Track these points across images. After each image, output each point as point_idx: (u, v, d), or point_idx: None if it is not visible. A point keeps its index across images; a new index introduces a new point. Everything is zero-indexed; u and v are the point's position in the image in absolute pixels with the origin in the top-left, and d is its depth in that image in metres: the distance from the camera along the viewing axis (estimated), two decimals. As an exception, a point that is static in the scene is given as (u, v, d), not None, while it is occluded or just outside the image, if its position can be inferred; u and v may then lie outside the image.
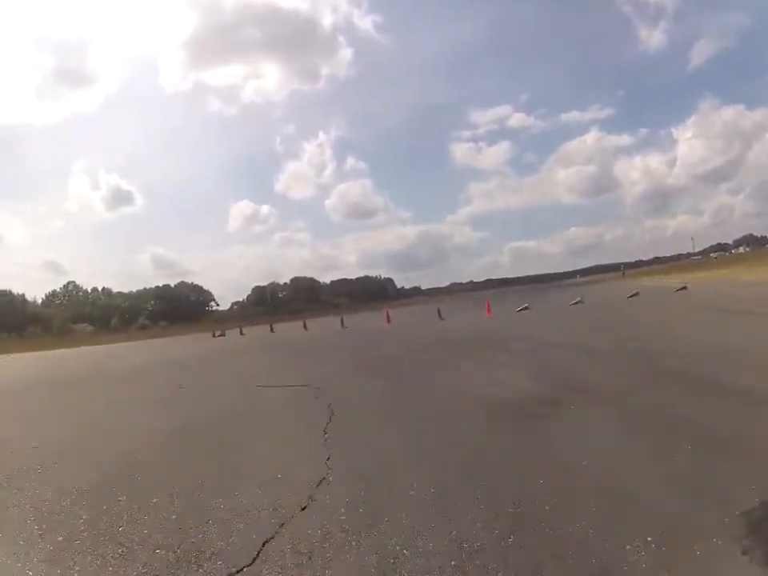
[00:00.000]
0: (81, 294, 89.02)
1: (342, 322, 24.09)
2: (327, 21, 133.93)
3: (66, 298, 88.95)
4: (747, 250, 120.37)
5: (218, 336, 29.63)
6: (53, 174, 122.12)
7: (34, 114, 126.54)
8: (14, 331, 66.38)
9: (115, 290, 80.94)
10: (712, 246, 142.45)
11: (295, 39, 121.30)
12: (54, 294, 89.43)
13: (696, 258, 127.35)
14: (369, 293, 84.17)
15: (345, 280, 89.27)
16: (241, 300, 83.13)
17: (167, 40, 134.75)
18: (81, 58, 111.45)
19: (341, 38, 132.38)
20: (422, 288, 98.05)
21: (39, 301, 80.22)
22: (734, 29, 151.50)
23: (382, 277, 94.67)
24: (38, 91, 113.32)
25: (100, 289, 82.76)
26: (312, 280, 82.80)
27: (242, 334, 28.91)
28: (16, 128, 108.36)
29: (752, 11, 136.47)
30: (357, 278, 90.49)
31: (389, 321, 21.12)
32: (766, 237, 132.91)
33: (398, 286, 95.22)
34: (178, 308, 79.92)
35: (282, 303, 77.98)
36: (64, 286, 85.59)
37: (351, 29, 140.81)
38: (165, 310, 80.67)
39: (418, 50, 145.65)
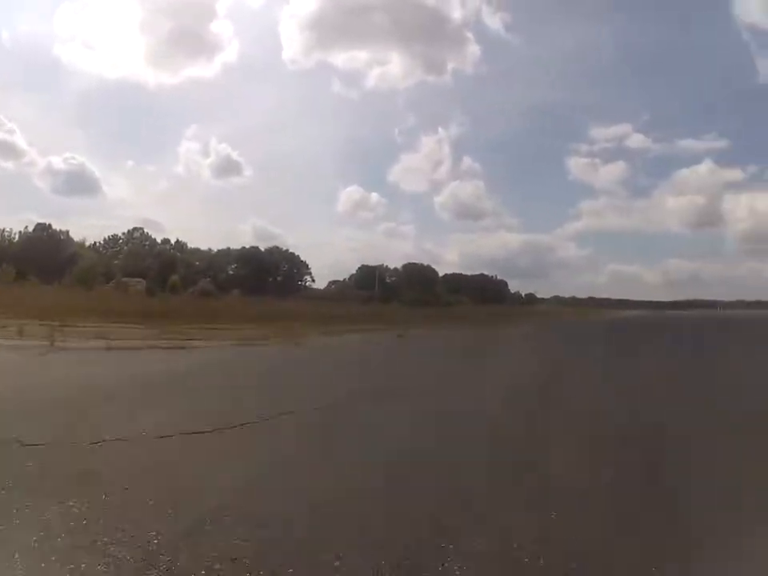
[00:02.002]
0: (147, 243, 73.39)
1: None
2: (456, 14, 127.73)
3: (129, 245, 73.38)
4: None
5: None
6: (164, 135, 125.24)
7: (150, 75, 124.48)
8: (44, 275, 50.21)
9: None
10: None
11: (423, 29, 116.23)
12: (113, 238, 74.09)
13: None
14: (485, 293, 70.10)
15: (460, 275, 75.54)
16: (341, 280, 68.72)
17: (293, 17, 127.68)
18: (203, 25, 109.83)
19: (469, 34, 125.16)
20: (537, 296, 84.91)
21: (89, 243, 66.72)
22: None
23: (497, 278, 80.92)
24: (156, 54, 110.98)
25: (173, 241, 67.62)
26: (429, 269, 68.82)
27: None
28: (132, 87, 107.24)
29: None
30: (473, 275, 76.53)
31: None
32: None
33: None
34: (264, 277, 65.02)
35: (390, 290, 63.47)
36: (129, 231, 70.53)
37: (480, 25, 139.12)
38: (247, 276, 65.74)
39: (544, 55, 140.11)
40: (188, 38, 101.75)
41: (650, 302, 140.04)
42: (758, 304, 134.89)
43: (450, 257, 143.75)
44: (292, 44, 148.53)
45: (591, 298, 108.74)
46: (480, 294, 70.05)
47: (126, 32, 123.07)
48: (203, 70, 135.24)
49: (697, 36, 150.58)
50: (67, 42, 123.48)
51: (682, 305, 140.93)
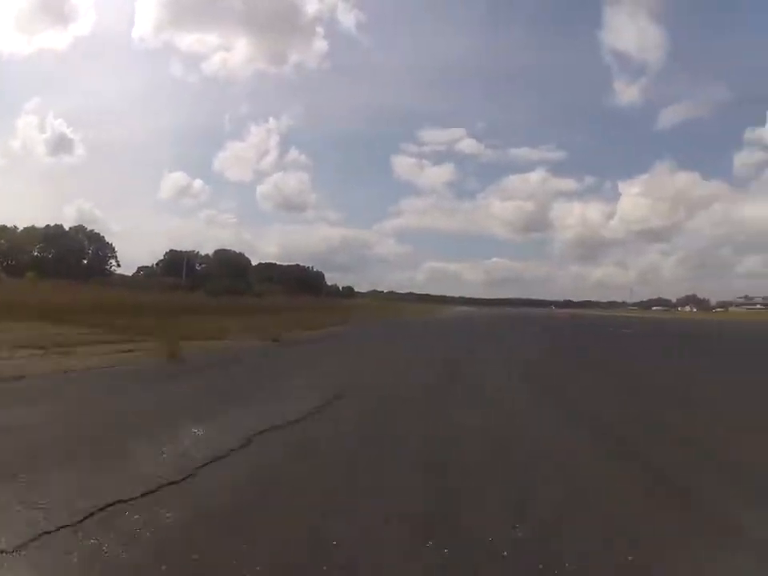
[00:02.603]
0: (-52, 220, 71.98)
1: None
2: (311, 8, 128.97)
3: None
4: (694, 310, 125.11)
5: None
6: (9, 107, 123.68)
7: (8, 42, 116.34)
8: None
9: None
10: (651, 300, 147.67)
11: (276, 18, 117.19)
12: None
13: (633, 308, 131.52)
14: (300, 284, 73.83)
15: (275, 265, 78.65)
16: (150, 266, 69.97)
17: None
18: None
19: (319, 29, 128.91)
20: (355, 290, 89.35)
21: None
22: (714, 101, 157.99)
23: (314, 269, 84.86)
24: (20, 20, 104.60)
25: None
26: (241, 257, 71.33)
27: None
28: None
29: (736, 89, 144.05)
30: (288, 266, 79.86)
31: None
32: (708, 300, 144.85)
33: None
34: (69, 259, 65.21)
35: (200, 278, 65.78)
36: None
37: (333, 22, 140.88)
38: (51, 257, 65.61)
39: (391, 58, 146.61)
40: (52, 5, 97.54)
41: (471, 299, 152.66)
42: (588, 304, 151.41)
43: (269, 248, 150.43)
44: (145, 21, 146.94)
45: (411, 293, 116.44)
46: (296, 285, 73.76)
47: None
48: (56, 40, 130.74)
49: (556, 54, 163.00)
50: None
51: (505, 302, 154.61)
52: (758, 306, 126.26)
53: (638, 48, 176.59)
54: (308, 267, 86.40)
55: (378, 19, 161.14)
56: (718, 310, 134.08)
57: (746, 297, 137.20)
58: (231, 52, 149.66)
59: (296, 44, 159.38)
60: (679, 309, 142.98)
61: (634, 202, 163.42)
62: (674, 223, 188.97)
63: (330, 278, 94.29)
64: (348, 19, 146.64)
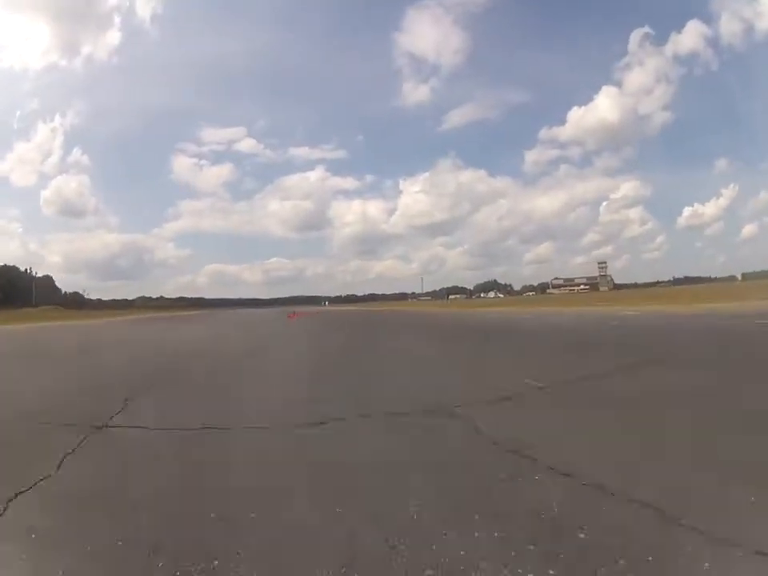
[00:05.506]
0: None
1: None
2: None
3: None
4: (500, 296, 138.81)
5: None
6: None
7: None
8: None
9: None
10: (446, 288, 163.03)
11: (77, 5, 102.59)
12: None
13: (425, 299, 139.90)
14: (6, 289, 67.11)
15: None
16: None
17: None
18: None
19: (117, 18, 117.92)
20: (93, 298, 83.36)
21: None
22: (508, 104, 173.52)
23: (36, 273, 77.62)
24: None
25: None
26: None
27: None
28: None
29: (528, 91, 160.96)
30: None
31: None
32: (511, 285, 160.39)
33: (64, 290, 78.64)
34: None
35: None
36: None
37: (130, 13, 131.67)
38: None
39: (180, 53, 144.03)
40: None
41: (252, 300, 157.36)
42: (374, 297, 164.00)
43: (54, 258, 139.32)
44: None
45: (182, 298, 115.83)
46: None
47: None
48: None
49: (347, 55, 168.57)
50: None
51: (284, 301, 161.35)
52: (582, 287, 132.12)
53: (435, 51, 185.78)
54: (25, 270, 78.60)
55: (174, 11, 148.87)
56: (530, 294, 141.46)
57: (560, 278, 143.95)
58: (32, 41, 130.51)
59: (90, 35, 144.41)
60: (482, 296, 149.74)
61: (415, 198, 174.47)
62: (457, 217, 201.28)
63: (114, 287, 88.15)
64: (145, 10, 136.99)
